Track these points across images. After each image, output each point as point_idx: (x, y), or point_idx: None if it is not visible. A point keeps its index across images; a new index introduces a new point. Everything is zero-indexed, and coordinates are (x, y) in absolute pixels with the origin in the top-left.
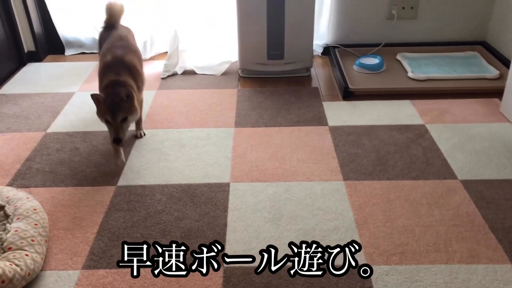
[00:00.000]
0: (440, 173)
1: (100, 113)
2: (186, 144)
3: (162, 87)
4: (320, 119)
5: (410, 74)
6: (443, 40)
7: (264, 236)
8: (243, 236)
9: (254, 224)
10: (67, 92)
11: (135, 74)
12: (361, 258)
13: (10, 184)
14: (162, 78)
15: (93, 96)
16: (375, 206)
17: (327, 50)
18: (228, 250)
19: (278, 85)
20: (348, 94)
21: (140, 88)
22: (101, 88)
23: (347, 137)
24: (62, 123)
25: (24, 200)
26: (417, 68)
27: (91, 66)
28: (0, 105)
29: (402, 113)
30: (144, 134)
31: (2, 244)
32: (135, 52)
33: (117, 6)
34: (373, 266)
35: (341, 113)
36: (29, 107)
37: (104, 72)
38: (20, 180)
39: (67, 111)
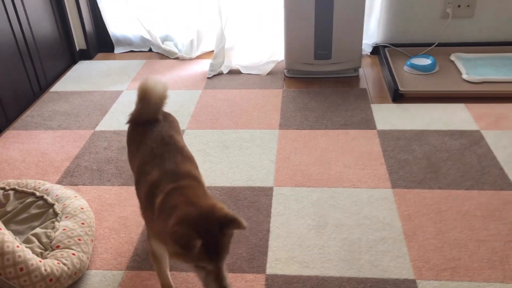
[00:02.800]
0: (497, 184)
1: (189, 258)
2: (230, 145)
3: (208, 86)
4: (368, 122)
5: (464, 76)
6: (502, 39)
7: (308, 244)
8: (286, 243)
9: (298, 231)
10: (115, 90)
11: (201, 185)
12: (409, 272)
13: (59, 181)
14: (208, 78)
15: (186, 238)
16: (425, 217)
17: (377, 50)
18: (271, 257)
19: (324, 85)
20: (398, 96)
21: None
22: (173, 228)
23: (397, 142)
24: (110, 121)
25: (72, 199)
26: (473, 69)
27: (140, 65)
28: (52, 102)
29: (456, 117)
30: None
31: (51, 242)
32: (191, 159)
33: (157, 89)
34: (422, 281)
35: (390, 116)
36: (79, 105)
37: (166, 202)
38: (69, 177)
39: (115, 109)
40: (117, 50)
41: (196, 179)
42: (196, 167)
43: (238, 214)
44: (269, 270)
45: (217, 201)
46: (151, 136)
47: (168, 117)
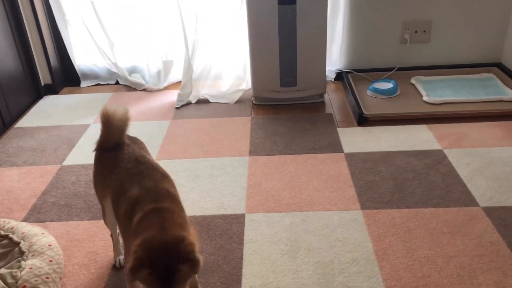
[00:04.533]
0: (461, 200)
1: (141, 281)
2: (200, 174)
3: (176, 116)
4: (335, 146)
5: (425, 98)
6: (458, 62)
7: (281, 269)
8: (260, 270)
9: (271, 257)
10: (82, 124)
11: (181, 209)
12: None
13: (26, 219)
14: (176, 108)
15: (141, 261)
16: (395, 236)
17: (340, 76)
18: (245, 285)
19: (292, 112)
20: (363, 120)
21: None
22: (135, 247)
23: (364, 164)
24: (77, 156)
25: (39, 236)
26: (432, 91)
27: (107, 97)
28: (17, 138)
29: (419, 138)
30: None
31: (16, 283)
32: (168, 177)
33: (118, 112)
34: None
35: (356, 140)
36: (46, 140)
37: (143, 221)
38: (36, 214)
39: (82, 143)
40: (84, 84)
41: (175, 199)
42: (174, 186)
43: (210, 243)
44: None
45: (191, 235)
46: (124, 158)
47: (135, 140)
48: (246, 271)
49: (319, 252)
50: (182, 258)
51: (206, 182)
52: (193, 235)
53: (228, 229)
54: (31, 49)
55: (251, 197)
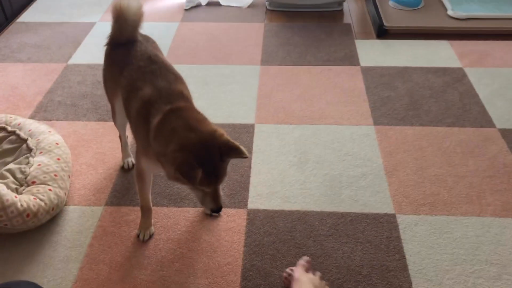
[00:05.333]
0: (477, 121)
1: (189, 183)
2: (210, 81)
3: (185, 19)
4: (351, 59)
5: (450, 12)
6: None
7: (289, 180)
8: (267, 179)
9: (279, 168)
10: (88, 22)
11: (197, 109)
12: (389, 206)
13: (32, 116)
14: (186, 9)
15: (188, 167)
16: (406, 153)
17: None
18: (252, 192)
19: (308, 20)
20: (383, 32)
21: None
22: (174, 154)
23: (380, 78)
24: (83, 55)
25: (46, 134)
26: (458, 5)
27: None
28: (20, 33)
29: (439, 54)
30: None
31: (26, 178)
32: (181, 79)
33: (132, 6)
34: (401, 216)
35: (374, 53)
36: (50, 37)
37: (164, 124)
38: (42, 112)
39: (88, 42)
40: None
41: (189, 100)
42: (187, 88)
43: None
44: (251, 205)
45: (217, 127)
46: (136, 55)
47: (148, 38)
48: (253, 179)
49: (328, 165)
50: (223, 149)
51: (215, 90)
52: (218, 127)
53: (238, 138)
54: None
55: (261, 107)
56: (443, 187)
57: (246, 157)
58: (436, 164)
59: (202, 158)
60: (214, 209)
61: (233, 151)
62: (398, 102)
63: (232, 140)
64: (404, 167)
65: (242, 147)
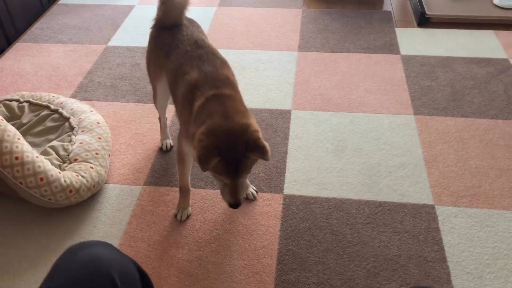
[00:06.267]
0: None
1: (211, 170)
2: (247, 66)
3: (223, 3)
4: (391, 47)
5: (496, 1)
6: None
7: (326, 167)
8: (304, 166)
9: (316, 154)
10: (127, 5)
11: (241, 97)
12: (428, 197)
13: (73, 96)
14: None
15: (206, 151)
16: (447, 144)
17: None
18: (288, 178)
19: (346, 6)
20: (424, 21)
21: None
22: (200, 136)
23: (420, 68)
24: (122, 37)
25: (88, 113)
26: None
27: None
28: (61, 15)
29: (484, 44)
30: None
31: (68, 155)
32: (227, 64)
33: None
34: (441, 207)
35: (415, 41)
36: (90, 19)
37: (204, 107)
38: (83, 92)
39: (127, 25)
40: None
41: (235, 86)
42: (233, 73)
43: None
44: (287, 191)
45: (254, 122)
46: (183, 40)
47: (193, 22)
48: (290, 165)
49: (366, 154)
50: (250, 145)
51: (252, 75)
52: (255, 123)
53: (274, 124)
54: None
55: (298, 93)
56: (485, 179)
57: (267, 160)
58: (478, 157)
59: (225, 148)
60: (230, 203)
61: (257, 149)
62: (439, 92)
63: (262, 140)
64: (444, 158)
65: (268, 149)
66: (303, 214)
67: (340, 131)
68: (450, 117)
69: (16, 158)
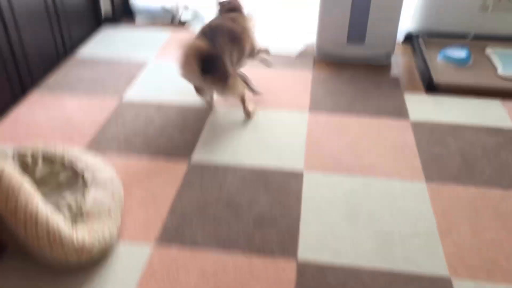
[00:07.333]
0: None
1: None
2: (259, 124)
3: None
4: (401, 112)
5: (500, 72)
6: None
7: (340, 233)
8: (317, 230)
9: (330, 220)
10: (142, 60)
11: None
12: (444, 269)
13: (86, 150)
14: None
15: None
16: (460, 214)
17: (409, 38)
18: (302, 243)
19: (356, 71)
20: (432, 87)
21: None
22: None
23: (430, 134)
24: (137, 92)
25: (101, 169)
26: (509, 65)
27: (165, 35)
28: (77, 67)
29: (491, 114)
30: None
31: (81, 212)
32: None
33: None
34: (457, 280)
35: (423, 107)
36: (106, 72)
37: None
38: (96, 147)
39: (142, 79)
40: (139, 20)
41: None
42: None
43: (268, 196)
44: (301, 256)
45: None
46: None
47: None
48: (303, 229)
49: (379, 221)
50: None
51: (264, 135)
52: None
53: (286, 185)
54: None
55: (310, 155)
56: (501, 253)
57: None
58: (492, 228)
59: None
60: None
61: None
62: (450, 160)
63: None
64: (458, 228)
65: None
66: (318, 283)
67: (353, 196)
68: (462, 186)
69: (30, 215)
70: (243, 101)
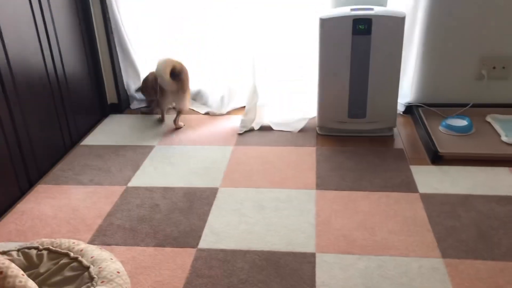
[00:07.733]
0: None
1: None
2: (266, 206)
3: (239, 143)
4: (409, 185)
5: (504, 138)
6: None
7: None
8: None
9: None
10: (147, 145)
11: None
12: None
13: (92, 240)
14: (239, 134)
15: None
16: None
17: (410, 109)
18: None
19: (359, 144)
20: (438, 158)
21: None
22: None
23: (441, 207)
24: (142, 178)
25: (108, 262)
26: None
27: (171, 120)
28: (83, 156)
29: (501, 182)
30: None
31: None
32: None
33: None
34: None
35: (431, 179)
36: (111, 160)
37: None
38: (102, 236)
39: (146, 165)
40: (133, 106)
41: None
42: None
43: (280, 282)
44: None
45: None
46: None
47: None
48: None
49: None
50: None
51: (272, 215)
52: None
53: (298, 269)
54: (101, 70)
55: (320, 235)
56: None
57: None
58: None
59: None
60: None
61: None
62: (464, 232)
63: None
64: None
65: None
66: None
67: (369, 277)
68: (481, 260)
69: None
70: (180, 114)
